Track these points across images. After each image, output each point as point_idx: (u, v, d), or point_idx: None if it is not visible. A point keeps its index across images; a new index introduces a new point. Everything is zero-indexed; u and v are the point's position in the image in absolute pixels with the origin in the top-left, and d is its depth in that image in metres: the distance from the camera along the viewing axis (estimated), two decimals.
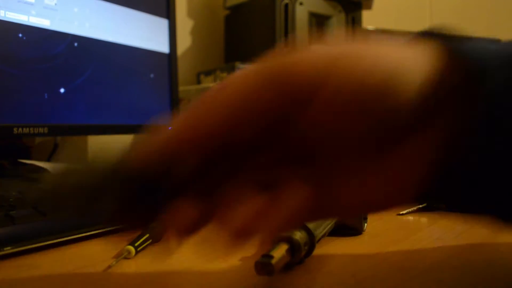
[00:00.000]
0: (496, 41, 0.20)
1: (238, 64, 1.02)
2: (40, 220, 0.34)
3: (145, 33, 0.79)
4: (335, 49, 0.18)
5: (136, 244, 0.32)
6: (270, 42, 1.03)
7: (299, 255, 0.28)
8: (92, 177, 0.21)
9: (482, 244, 0.36)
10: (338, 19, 1.10)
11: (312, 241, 0.30)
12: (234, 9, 1.17)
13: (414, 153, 0.19)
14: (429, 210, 0.49)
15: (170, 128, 0.19)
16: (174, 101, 0.85)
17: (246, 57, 1.07)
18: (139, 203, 0.21)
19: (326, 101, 0.18)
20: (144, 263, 0.30)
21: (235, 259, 0.32)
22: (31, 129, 0.60)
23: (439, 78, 0.18)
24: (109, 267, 0.29)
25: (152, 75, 0.81)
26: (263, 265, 0.25)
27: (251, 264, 0.30)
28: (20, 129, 0.58)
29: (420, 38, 0.20)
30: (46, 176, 0.23)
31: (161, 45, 0.83)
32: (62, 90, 0.65)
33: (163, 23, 0.83)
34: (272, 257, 0.25)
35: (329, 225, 0.35)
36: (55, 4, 0.64)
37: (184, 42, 1.19)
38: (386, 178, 0.19)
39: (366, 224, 0.40)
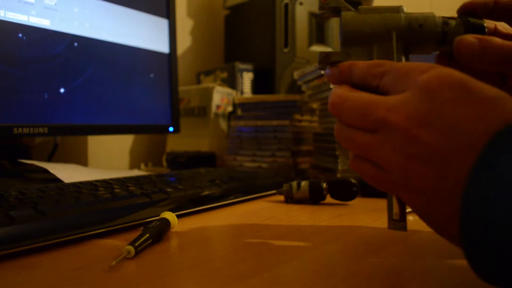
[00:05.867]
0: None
1: (238, 64, 1.02)
2: (40, 220, 0.34)
3: (145, 33, 0.79)
4: None
5: (136, 244, 0.32)
6: (270, 42, 1.03)
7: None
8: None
9: None
10: (338, 19, 1.10)
11: None
12: (234, 9, 1.17)
13: None
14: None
15: None
16: (174, 101, 0.85)
17: (246, 57, 1.07)
18: None
19: None
20: (144, 263, 0.31)
21: (235, 259, 0.32)
22: (31, 129, 0.60)
23: None
24: (109, 267, 0.29)
25: (152, 75, 0.81)
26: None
27: (250, 264, 0.30)
28: (20, 129, 0.58)
29: None
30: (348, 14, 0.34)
31: (161, 45, 0.83)
32: (62, 90, 0.65)
33: (163, 23, 0.83)
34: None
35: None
36: (55, 4, 0.64)
37: (184, 42, 1.19)
38: None
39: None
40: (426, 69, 0.26)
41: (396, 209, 0.31)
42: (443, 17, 0.33)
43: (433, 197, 0.24)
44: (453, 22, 0.33)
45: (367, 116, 0.27)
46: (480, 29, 0.33)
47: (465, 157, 0.22)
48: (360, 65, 0.31)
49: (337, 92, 0.30)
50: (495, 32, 0.36)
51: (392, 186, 0.28)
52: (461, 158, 0.22)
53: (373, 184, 0.29)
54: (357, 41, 0.33)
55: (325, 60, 0.34)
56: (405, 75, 0.27)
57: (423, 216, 0.26)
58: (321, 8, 0.36)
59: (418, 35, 0.32)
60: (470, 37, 0.31)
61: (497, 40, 0.31)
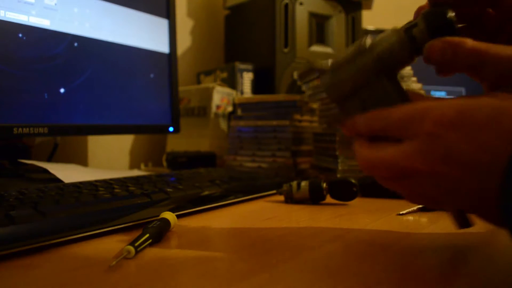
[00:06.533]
0: None
1: (238, 64, 1.02)
2: (40, 220, 0.34)
3: (145, 33, 0.79)
4: None
5: (136, 244, 0.32)
6: (270, 42, 1.03)
7: None
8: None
9: (481, 244, 0.36)
10: (338, 19, 1.10)
11: None
12: (234, 9, 1.17)
13: None
14: (429, 210, 0.49)
15: None
16: (174, 101, 0.85)
17: (246, 57, 1.07)
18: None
19: None
20: (144, 263, 0.31)
21: (235, 259, 0.32)
22: (31, 129, 0.60)
23: None
24: (109, 267, 0.29)
25: (152, 75, 0.81)
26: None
27: (250, 264, 0.30)
28: (20, 129, 0.58)
29: None
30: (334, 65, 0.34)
31: (161, 45, 0.83)
32: (62, 90, 0.65)
33: (163, 23, 0.83)
34: None
35: None
36: (55, 4, 0.64)
37: (184, 42, 1.19)
38: None
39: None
40: (422, 117, 0.28)
41: (458, 220, 0.32)
42: (407, 29, 0.32)
43: (477, 210, 0.29)
44: (417, 31, 0.31)
45: (395, 171, 0.30)
46: (447, 29, 0.30)
47: (488, 179, 0.25)
48: (360, 123, 0.33)
49: (359, 154, 0.33)
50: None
51: (447, 206, 0.32)
52: (485, 180, 0.25)
53: (435, 206, 0.34)
54: (345, 97, 0.34)
55: (332, 124, 0.35)
56: (406, 128, 0.29)
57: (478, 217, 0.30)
58: (299, 79, 0.37)
59: (392, 61, 0.32)
60: (438, 43, 0.30)
61: (468, 42, 0.29)
